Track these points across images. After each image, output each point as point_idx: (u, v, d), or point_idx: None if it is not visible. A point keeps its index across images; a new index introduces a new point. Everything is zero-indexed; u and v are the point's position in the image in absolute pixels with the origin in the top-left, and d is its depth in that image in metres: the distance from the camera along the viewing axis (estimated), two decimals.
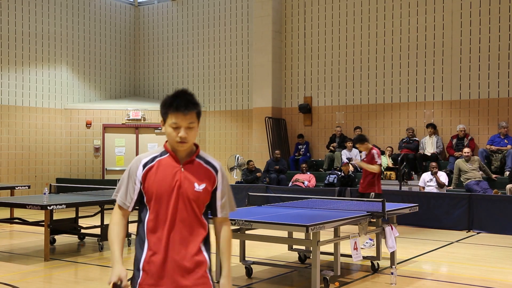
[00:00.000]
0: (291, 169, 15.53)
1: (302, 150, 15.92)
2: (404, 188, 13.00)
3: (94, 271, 7.35)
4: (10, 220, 10.18)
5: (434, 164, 12.44)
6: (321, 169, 15.20)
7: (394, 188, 12.92)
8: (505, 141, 13.00)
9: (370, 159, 9.19)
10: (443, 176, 12.40)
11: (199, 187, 2.82)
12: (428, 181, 12.38)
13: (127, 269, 2.70)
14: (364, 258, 7.14)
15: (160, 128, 17.86)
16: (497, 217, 10.93)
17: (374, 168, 9.07)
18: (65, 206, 8.10)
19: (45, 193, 8.60)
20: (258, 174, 14.70)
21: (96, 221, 9.71)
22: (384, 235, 7.16)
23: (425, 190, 12.28)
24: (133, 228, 9.88)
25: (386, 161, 14.13)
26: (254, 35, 16.81)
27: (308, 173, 14.45)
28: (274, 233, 7.18)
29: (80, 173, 17.46)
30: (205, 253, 2.83)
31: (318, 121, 16.21)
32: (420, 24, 14.67)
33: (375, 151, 9.25)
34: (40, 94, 16.96)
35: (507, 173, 12.42)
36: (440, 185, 12.17)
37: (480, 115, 13.88)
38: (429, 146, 13.98)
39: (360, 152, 14.51)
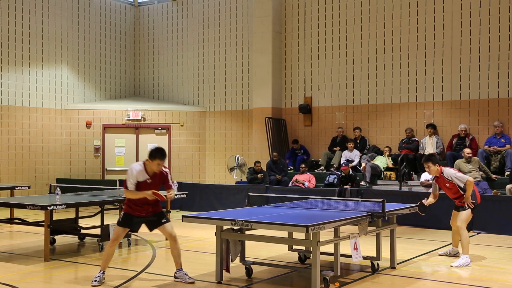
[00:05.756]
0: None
1: (299, 154, 15.82)
2: (404, 188, 13.00)
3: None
4: (10, 220, 10.17)
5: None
6: (318, 168, 15.14)
7: (394, 188, 12.93)
8: (502, 140, 13.00)
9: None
10: None
11: None
12: (430, 180, 12.47)
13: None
14: (364, 258, 7.13)
15: (159, 128, 17.87)
16: (497, 217, 10.93)
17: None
18: (65, 206, 8.10)
19: (57, 193, 8.44)
20: (259, 175, 14.61)
21: (96, 221, 9.71)
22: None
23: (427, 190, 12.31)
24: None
25: (386, 161, 14.14)
26: (254, 35, 16.81)
27: (308, 173, 14.44)
28: (274, 233, 7.17)
29: (80, 173, 17.46)
30: None
31: (318, 121, 16.20)
32: (420, 24, 14.67)
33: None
34: (40, 94, 16.96)
35: (507, 173, 12.42)
36: None
37: (480, 116, 13.88)
38: (429, 146, 13.97)
39: (362, 156, 14.48)
